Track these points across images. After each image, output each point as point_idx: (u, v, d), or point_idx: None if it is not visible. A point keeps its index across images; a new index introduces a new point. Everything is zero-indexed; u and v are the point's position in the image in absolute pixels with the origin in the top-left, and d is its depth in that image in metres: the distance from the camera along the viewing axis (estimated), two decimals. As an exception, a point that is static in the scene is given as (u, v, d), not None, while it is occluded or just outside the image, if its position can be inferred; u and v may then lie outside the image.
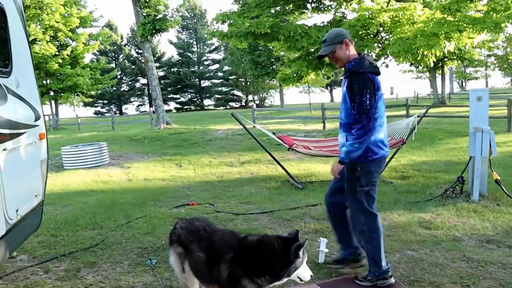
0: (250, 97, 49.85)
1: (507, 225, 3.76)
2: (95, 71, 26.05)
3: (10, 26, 2.68)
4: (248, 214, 4.49)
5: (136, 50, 46.88)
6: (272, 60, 32.54)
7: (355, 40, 11.61)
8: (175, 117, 24.24)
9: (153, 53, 22.80)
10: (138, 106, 51.20)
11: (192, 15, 48.41)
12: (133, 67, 47.58)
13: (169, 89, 48.30)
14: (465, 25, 9.81)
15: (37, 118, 2.99)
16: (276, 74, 22.22)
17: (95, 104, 47.89)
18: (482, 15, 10.05)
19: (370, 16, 10.99)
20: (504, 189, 4.51)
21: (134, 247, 3.61)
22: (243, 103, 49.98)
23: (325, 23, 13.22)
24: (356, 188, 2.58)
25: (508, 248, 3.24)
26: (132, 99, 50.80)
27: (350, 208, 2.69)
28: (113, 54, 47.43)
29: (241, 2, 17.51)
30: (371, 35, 11.88)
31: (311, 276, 2.17)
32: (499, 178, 4.55)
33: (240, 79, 47.27)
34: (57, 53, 22.59)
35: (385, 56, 12.83)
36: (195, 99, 50.90)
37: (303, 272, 2.10)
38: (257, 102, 46.94)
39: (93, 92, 28.83)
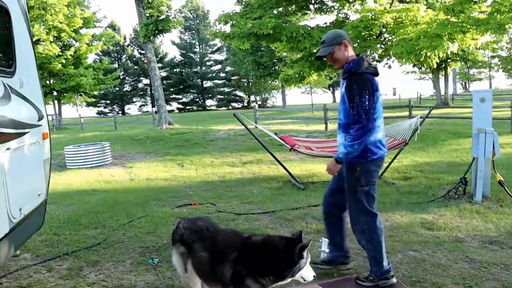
0: (252, 98, 49.87)
1: (510, 226, 3.74)
2: (98, 72, 26.15)
3: (14, 26, 2.69)
4: (249, 214, 4.50)
5: (139, 51, 47.01)
6: (275, 60, 32.57)
7: (358, 41, 11.61)
8: (177, 117, 24.28)
9: (155, 54, 22.84)
10: (140, 106, 51.38)
11: (195, 16, 48.51)
12: (135, 67, 47.72)
13: (172, 89, 48.40)
14: (468, 26, 9.79)
15: (40, 118, 3.01)
16: (278, 74, 22.26)
17: (98, 104, 48.08)
18: (486, 16, 10.02)
19: (373, 17, 10.98)
20: (508, 191, 4.49)
21: (136, 246, 3.62)
22: (245, 104, 50.00)
23: (328, 24, 13.23)
24: (356, 188, 2.59)
25: (511, 250, 3.22)
26: (134, 99, 50.95)
27: (350, 208, 2.70)
28: (116, 54, 47.58)
29: (243, 3, 17.50)
30: (374, 36, 11.88)
31: (314, 276, 2.17)
32: (502, 180, 4.53)
33: (242, 80, 47.31)
34: (60, 53, 22.70)
35: (388, 57, 12.82)
36: (197, 100, 50.98)
37: (307, 272, 2.11)
38: (259, 102, 46.96)
39: (96, 92, 28.95)
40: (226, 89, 50.85)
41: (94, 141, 11.37)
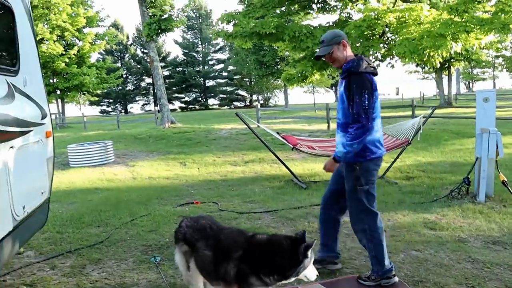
0: (254, 97, 49.85)
1: (513, 226, 3.73)
2: (101, 70, 26.25)
3: (18, 25, 2.71)
4: (251, 213, 4.50)
5: (142, 50, 47.10)
6: (277, 60, 32.52)
7: (361, 40, 11.58)
8: (179, 116, 24.31)
9: (158, 53, 22.92)
10: (143, 105, 51.43)
11: (198, 15, 48.53)
12: (138, 66, 47.81)
13: (174, 88, 48.45)
14: (472, 26, 9.74)
15: (43, 117, 3.02)
16: (280, 74, 22.23)
17: (101, 103, 48.20)
18: (490, 16, 9.96)
19: (376, 16, 10.94)
20: (511, 191, 4.47)
21: (139, 244, 3.64)
22: (248, 103, 50.00)
23: (331, 24, 13.20)
24: (356, 188, 2.60)
25: (514, 250, 3.21)
26: (137, 98, 51.03)
27: (350, 208, 2.71)
28: (119, 53, 47.68)
29: (246, 3, 17.50)
30: (377, 36, 11.83)
31: (316, 275, 2.18)
32: (506, 180, 4.51)
33: (244, 79, 47.30)
34: (64, 52, 22.79)
35: (391, 57, 12.77)
36: (200, 99, 51.03)
37: (310, 272, 2.12)
38: (262, 101, 46.93)
39: (99, 91, 29.08)
40: (229, 88, 50.86)
41: (97, 139, 11.42)
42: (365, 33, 11.25)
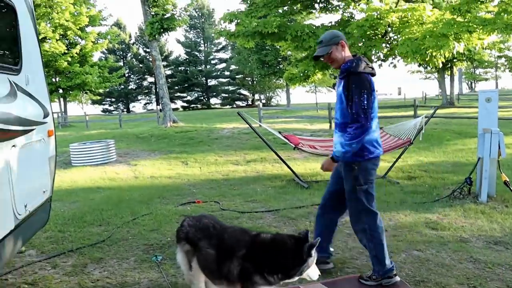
0: (256, 96, 49.85)
1: (515, 227, 3.71)
2: (103, 70, 26.29)
3: (21, 24, 2.71)
4: (253, 213, 4.50)
5: (144, 49, 47.16)
6: (279, 59, 32.51)
7: (363, 40, 11.55)
8: (181, 116, 24.34)
9: (160, 52, 22.93)
10: (145, 104, 51.52)
11: (200, 14, 48.55)
12: (140, 65, 47.88)
13: (176, 87, 48.52)
14: (475, 26, 9.69)
15: (45, 115, 3.03)
16: (282, 73, 22.22)
17: (103, 102, 48.31)
18: (492, 16, 9.91)
19: (379, 16, 10.90)
20: (513, 191, 4.46)
21: (140, 243, 3.64)
22: (250, 102, 50.01)
23: (333, 23, 13.17)
24: (355, 187, 2.61)
25: (516, 251, 3.20)
26: (139, 97, 51.12)
27: (350, 208, 2.72)
28: (121, 52, 47.76)
29: (248, 2, 17.48)
30: (379, 36, 11.80)
31: (319, 275, 2.18)
32: (508, 180, 4.49)
33: (246, 78, 47.30)
34: (66, 51, 22.86)
35: (393, 57, 12.72)
36: (202, 98, 51.07)
37: (313, 271, 2.13)
38: (264, 101, 46.92)
39: (101, 90, 29.15)
40: (231, 88, 50.89)
41: (99, 138, 11.44)
42: (368, 32, 11.21)
